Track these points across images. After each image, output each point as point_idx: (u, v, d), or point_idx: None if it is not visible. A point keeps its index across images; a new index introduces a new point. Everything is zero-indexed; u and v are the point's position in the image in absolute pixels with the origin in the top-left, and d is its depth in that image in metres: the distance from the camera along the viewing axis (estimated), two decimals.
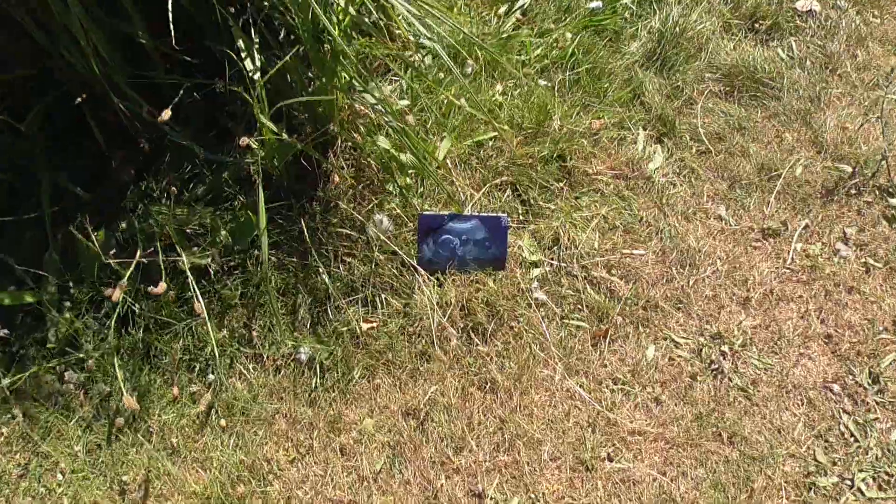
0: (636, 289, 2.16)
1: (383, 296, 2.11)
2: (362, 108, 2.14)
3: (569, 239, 2.23)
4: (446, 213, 2.19)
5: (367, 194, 2.23)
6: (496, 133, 2.38)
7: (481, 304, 2.10)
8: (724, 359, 2.04)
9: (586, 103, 2.53)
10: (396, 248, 2.13)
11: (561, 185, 2.35)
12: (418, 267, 2.13)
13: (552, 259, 2.22)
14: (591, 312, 2.12)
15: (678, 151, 2.49)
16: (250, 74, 1.93)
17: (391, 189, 2.25)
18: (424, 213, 2.17)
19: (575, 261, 2.20)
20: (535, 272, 2.19)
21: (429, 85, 2.39)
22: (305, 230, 2.13)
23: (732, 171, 2.44)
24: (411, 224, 2.19)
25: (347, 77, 2.06)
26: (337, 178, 2.23)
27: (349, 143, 2.25)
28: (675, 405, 1.97)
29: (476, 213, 2.23)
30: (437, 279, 2.14)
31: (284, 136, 2.04)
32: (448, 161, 2.34)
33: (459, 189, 2.30)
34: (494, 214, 2.19)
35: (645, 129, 2.52)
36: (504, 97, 2.51)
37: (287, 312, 2.11)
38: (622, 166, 2.42)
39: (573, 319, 2.11)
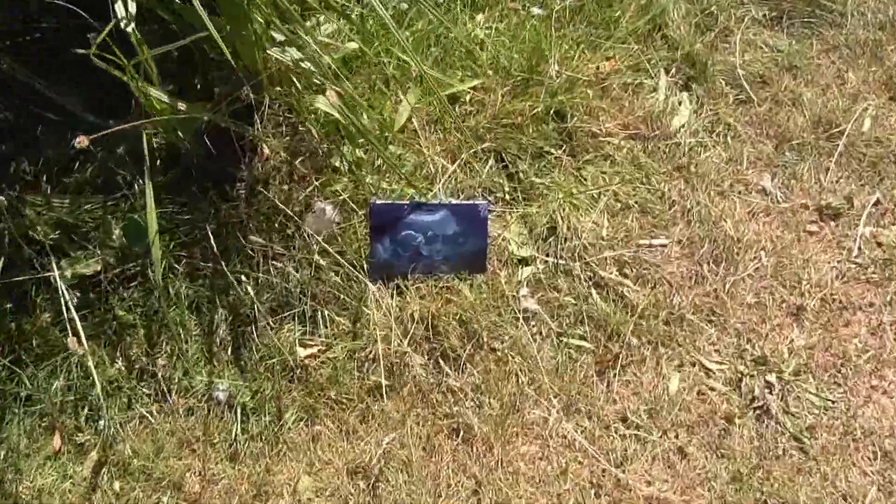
0: (656, 295, 1.66)
1: (326, 311, 1.62)
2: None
3: (568, 227, 1.72)
4: (406, 199, 1.67)
5: (307, 172, 1.71)
6: (479, 81, 1.84)
7: (453, 320, 1.61)
8: (771, 393, 1.55)
9: (592, 40, 1.96)
10: (342, 248, 1.64)
11: (559, 151, 1.82)
12: (371, 272, 1.63)
13: (547, 255, 1.71)
14: (597, 328, 1.63)
15: (710, 101, 1.93)
16: (122, 25, 1.39)
17: (337, 164, 1.73)
18: (377, 202, 1.65)
19: (576, 256, 1.70)
20: (526, 272, 1.69)
21: (384, 23, 1.82)
22: (224, 225, 1.64)
23: (780, 127, 1.90)
24: (363, 212, 1.68)
25: (262, 23, 1.50)
26: (266, 152, 1.72)
27: (280, 104, 1.72)
28: (707, 459, 1.50)
29: (448, 195, 1.72)
30: (397, 287, 1.64)
31: (182, 104, 1.51)
32: (414, 120, 1.81)
33: (429, 160, 1.77)
34: (470, 202, 1.67)
35: (668, 72, 1.96)
36: (486, 32, 1.95)
37: (202, 334, 1.63)
38: (638, 123, 1.88)
39: (573, 337, 1.62)
